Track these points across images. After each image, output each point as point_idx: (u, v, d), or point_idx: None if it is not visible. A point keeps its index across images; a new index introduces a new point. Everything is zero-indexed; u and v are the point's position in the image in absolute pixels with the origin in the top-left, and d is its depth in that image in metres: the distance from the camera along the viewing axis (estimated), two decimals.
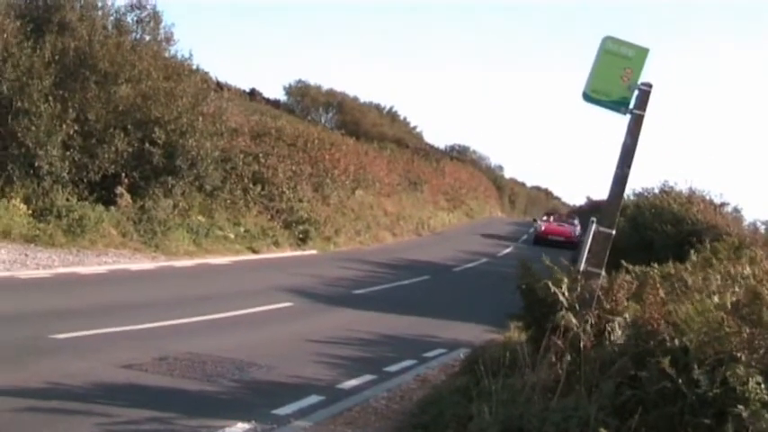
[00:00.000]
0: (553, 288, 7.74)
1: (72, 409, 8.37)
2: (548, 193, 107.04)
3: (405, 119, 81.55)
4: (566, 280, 7.89)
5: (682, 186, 27.54)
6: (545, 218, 48.81)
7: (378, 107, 77.52)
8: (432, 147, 74.38)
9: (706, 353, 6.57)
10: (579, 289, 7.71)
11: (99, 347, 11.22)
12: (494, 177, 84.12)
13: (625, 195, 9.79)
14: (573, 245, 36.90)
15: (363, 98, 75.62)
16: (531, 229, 47.64)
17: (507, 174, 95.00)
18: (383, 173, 45.26)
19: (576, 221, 46.79)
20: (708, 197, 26.29)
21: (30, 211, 20.67)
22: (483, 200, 70.22)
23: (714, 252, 13.53)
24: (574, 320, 7.34)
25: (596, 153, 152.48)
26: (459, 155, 79.66)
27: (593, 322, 7.39)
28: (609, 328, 7.33)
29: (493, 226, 54.75)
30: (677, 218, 22.90)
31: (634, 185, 34.06)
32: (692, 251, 14.19)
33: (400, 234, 39.79)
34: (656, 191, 29.21)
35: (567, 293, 7.69)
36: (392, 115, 79.26)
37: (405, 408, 9.93)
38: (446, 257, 31.68)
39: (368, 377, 11.56)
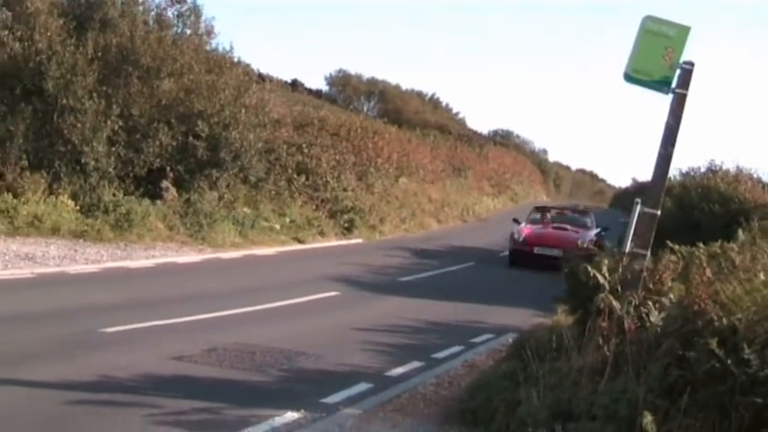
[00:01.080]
0: (593, 271, 7.69)
1: (122, 401, 8.45)
2: (593, 176, 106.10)
3: (447, 105, 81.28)
4: (606, 262, 7.84)
5: (729, 165, 27.24)
6: (535, 216, 28.71)
7: (420, 94, 77.30)
8: (475, 132, 74.00)
9: (756, 332, 6.49)
10: (621, 270, 7.66)
11: (148, 340, 11.34)
12: (538, 161, 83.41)
13: (671, 175, 9.71)
14: None
15: (405, 86, 75.52)
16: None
17: (552, 157, 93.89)
18: (426, 160, 45.23)
19: (590, 221, 28.37)
20: (756, 175, 25.98)
21: (77, 207, 20.97)
22: (528, 184, 69.83)
23: (763, 230, 13.34)
24: (615, 302, 7.29)
25: (641, 134, 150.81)
26: (502, 140, 79.17)
27: (636, 304, 7.33)
28: (652, 309, 7.26)
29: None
30: (724, 197, 22.62)
31: (680, 165, 33.64)
32: (740, 230, 14.00)
33: (445, 221, 39.77)
34: (703, 170, 28.91)
35: (608, 275, 7.64)
36: (434, 102, 79.01)
37: (453, 394, 9.90)
38: (491, 242, 31.56)
39: (416, 364, 11.53)
